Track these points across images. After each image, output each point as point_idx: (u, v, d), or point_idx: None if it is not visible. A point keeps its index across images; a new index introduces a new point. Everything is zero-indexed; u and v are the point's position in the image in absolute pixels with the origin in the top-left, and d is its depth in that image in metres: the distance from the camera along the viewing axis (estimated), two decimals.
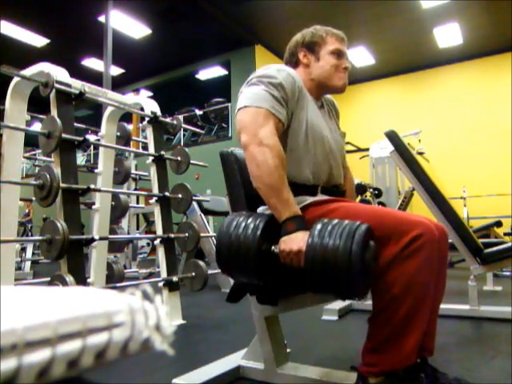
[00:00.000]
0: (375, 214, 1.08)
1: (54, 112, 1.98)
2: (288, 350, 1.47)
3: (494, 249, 2.13)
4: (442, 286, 1.19)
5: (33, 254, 5.70)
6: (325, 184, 1.24)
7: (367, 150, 6.95)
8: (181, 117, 3.85)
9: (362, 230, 0.94)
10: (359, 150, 7.97)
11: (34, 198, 2.12)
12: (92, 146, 8.89)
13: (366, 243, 0.94)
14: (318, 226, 0.99)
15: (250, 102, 1.15)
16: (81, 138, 2.00)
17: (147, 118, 2.58)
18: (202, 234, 2.62)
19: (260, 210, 1.25)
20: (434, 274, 1.03)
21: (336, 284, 0.95)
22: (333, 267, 0.92)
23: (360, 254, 0.91)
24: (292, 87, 1.19)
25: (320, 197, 1.21)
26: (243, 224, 1.07)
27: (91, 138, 2.31)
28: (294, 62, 1.34)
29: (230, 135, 9.32)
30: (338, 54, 1.28)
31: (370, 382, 1.03)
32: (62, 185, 1.87)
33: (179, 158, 2.60)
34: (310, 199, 1.18)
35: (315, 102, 1.31)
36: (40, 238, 1.83)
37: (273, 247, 1.06)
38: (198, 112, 9.89)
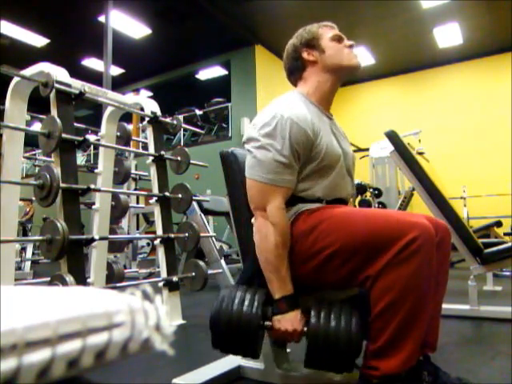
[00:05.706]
0: (369, 220, 1.08)
1: (54, 112, 1.98)
2: (288, 350, 1.47)
3: (494, 249, 2.13)
4: (443, 281, 1.20)
5: (33, 253, 5.69)
6: (332, 199, 1.23)
7: (367, 150, 6.94)
8: (181, 117, 3.85)
9: (356, 319, 1.03)
10: (359, 149, 7.95)
11: (34, 198, 2.11)
12: (92, 146, 8.89)
13: (360, 327, 1.02)
14: (317, 310, 1.06)
15: (259, 172, 1.14)
16: (81, 138, 2.00)
17: (147, 118, 2.58)
18: (201, 234, 2.61)
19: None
20: (432, 274, 1.03)
21: (336, 360, 1.03)
22: (335, 347, 1.01)
23: (359, 337, 1.01)
24: (303, 137, 1.14)
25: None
26: (240, 299, 1.11)
27: (91, 137, 2.31)
28: (300, 68, 1.31)
29: (229, 135, 9.30)
30: (338, 39, 1.29)
31: (372, 382, 1.03)
32: (62, 185, 1.87)
33: (179, 158, 2.60)
34: (304, 207, 1.17)
35: (325, 119, 1.28)
36: (40, 238, 1.83)
37: (266, 322, 1.10)
38: (198, 112, 9.87)
